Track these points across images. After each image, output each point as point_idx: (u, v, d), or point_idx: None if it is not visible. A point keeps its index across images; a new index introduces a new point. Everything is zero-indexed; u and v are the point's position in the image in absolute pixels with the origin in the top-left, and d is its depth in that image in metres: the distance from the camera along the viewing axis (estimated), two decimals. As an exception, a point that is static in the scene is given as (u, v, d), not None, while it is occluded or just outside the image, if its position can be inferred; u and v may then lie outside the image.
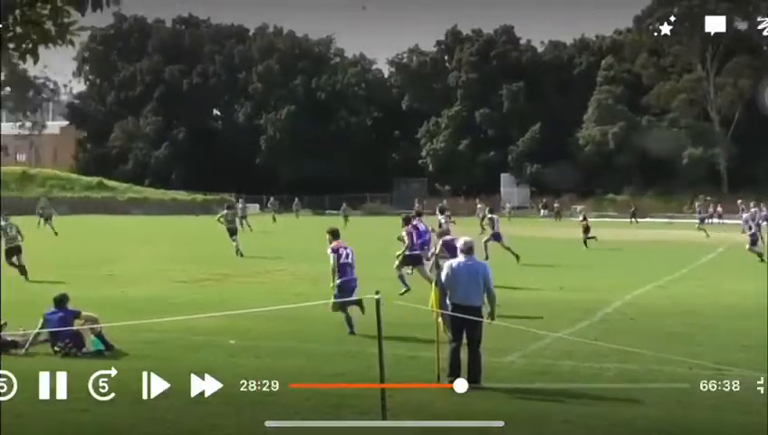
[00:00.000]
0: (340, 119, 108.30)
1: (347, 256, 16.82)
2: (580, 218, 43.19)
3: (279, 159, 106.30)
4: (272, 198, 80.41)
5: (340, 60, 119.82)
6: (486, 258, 30.23)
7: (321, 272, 27.62)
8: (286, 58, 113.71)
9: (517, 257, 30.85)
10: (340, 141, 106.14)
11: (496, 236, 32.80)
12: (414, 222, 23.61)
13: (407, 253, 22.40)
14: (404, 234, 22.65)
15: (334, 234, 17.25)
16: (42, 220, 49.69)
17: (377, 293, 10.74)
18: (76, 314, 14.74)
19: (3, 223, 27.17)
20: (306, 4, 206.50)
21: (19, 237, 27.06)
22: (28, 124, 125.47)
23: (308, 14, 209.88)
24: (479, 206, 54.62)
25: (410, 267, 22.67)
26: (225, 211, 38.15)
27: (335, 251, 16.78)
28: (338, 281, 16.67)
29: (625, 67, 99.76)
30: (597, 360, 13.74)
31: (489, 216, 34.78)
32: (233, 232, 36.27)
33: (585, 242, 40.62)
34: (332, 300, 16.39)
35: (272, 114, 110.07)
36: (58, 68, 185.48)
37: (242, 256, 34.39)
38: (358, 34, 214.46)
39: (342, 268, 16.69)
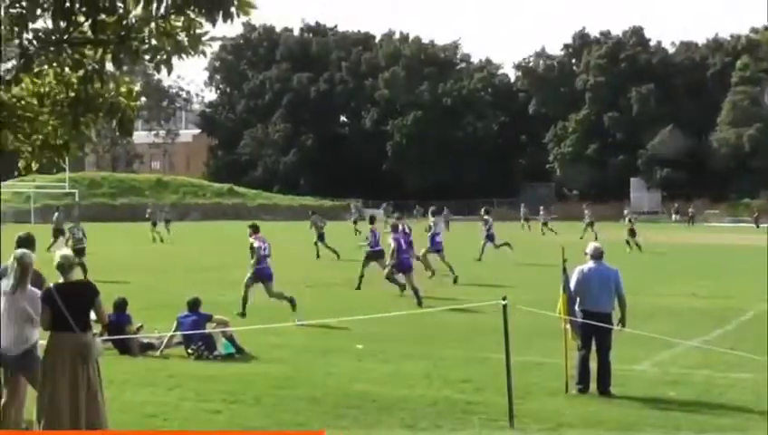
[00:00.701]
0: (466, 124, 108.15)
1: (264, 248, 19.74)
2: (627, 221, 43.68)
3: (405, 165, 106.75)
4: (384, 204, 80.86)
5: (466, 65, 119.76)
6: (479, 259, 34.43)
7: (446, 277, 27.64)
8: (412, 64, 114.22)
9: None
10: (467, 147, 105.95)
11: (490, 238, 35.40)
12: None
13: (368, 249, 25.20)
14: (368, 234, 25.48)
15: (254, 228, 20.35)
16: (151, 226, 50.51)
17: (504, 298, 10.66)
18: (208, 318, 15.09)
19: (70, 225, 29.06)
20: (432, 10, 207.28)
21: (84, 240, 29.03)
22: (162, 133, 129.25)
23: (434, 19, 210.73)
24: (586, 212, 54.41)
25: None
26: (312, 217, 39.95)
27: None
28: (256, 267, 19.44)
29: (762, 66, 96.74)
30: (733, 370, 13.34)
31: (485, 217, 36.24)
32: (321, 237, 38.12)
33: (628, 242, 41.22)
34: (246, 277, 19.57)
35: (398, 120, 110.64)
36: (190, 78, 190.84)
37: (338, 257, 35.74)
38: (484, 39, 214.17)
39: (261, 259, 19.59)
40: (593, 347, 12.10)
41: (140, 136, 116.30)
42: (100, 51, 6.89)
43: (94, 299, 9.28)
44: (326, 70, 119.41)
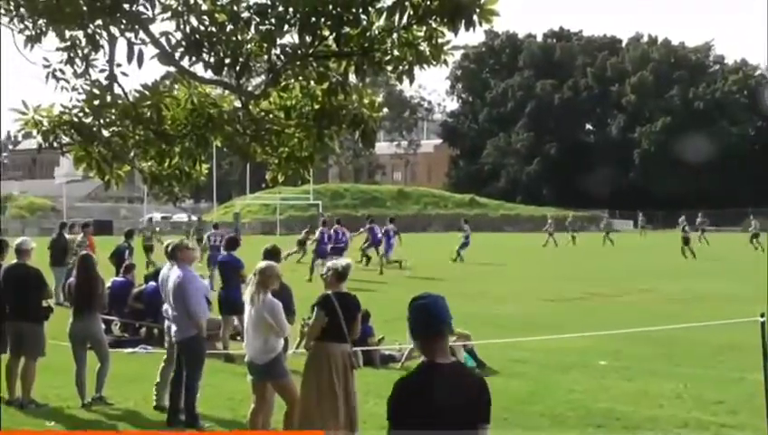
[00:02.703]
0: (719, 129, 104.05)
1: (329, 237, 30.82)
2: (681, 229, 46.04)
3: (654, 174, 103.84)
4: (599, 216, 78.60)
5: (719, 67, 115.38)
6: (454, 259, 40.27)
7: (693, 292, 26.77)
8: (661, 67, 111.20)
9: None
10: (720, 153, 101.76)
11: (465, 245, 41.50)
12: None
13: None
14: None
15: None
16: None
17: (762, 315, 10.21)
18: (448, 330, 15.25)
19: (210, 232, 31.20)
20: (682, 11, 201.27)
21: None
22: (404, 143, 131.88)
23: (684, 20, 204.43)
24: (754, 222, 53.51)
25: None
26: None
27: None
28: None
29: None
30: None
31: (464, 227, 42.39)
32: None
33: (682, 251, 43.26)
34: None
35: (646, 127, 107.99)
36: (432, 87, 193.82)
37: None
38: (739, 39, 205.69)
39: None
40: None
41: (382, 147, 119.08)
42: (344, 63, 7.14)
43: (357, 313, 9.63)
44: (570, 76, 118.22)
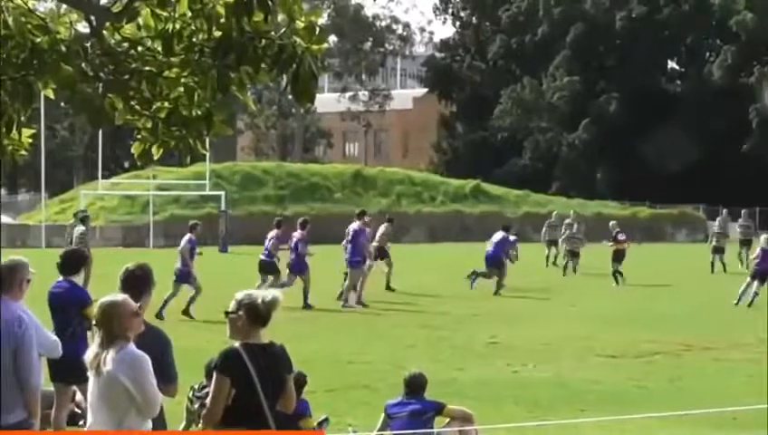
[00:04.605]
0: None
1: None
2: (611, 241, 48.22)
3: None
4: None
5: None
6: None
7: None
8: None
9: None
10: None
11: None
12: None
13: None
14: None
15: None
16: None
17: None
18: (438, 409, 15.25)
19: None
20: None
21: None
22: (363, 95, 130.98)
23: None
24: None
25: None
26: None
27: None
28: None
29: None
30: None
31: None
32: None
33: (614, 275, 46.07)
34: None
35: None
36: (410, 2, 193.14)
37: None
38: None
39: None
40: None
41: (327, 101, 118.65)
42: (263, -39, 7.12)
43: (286, 375, 9.57)
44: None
